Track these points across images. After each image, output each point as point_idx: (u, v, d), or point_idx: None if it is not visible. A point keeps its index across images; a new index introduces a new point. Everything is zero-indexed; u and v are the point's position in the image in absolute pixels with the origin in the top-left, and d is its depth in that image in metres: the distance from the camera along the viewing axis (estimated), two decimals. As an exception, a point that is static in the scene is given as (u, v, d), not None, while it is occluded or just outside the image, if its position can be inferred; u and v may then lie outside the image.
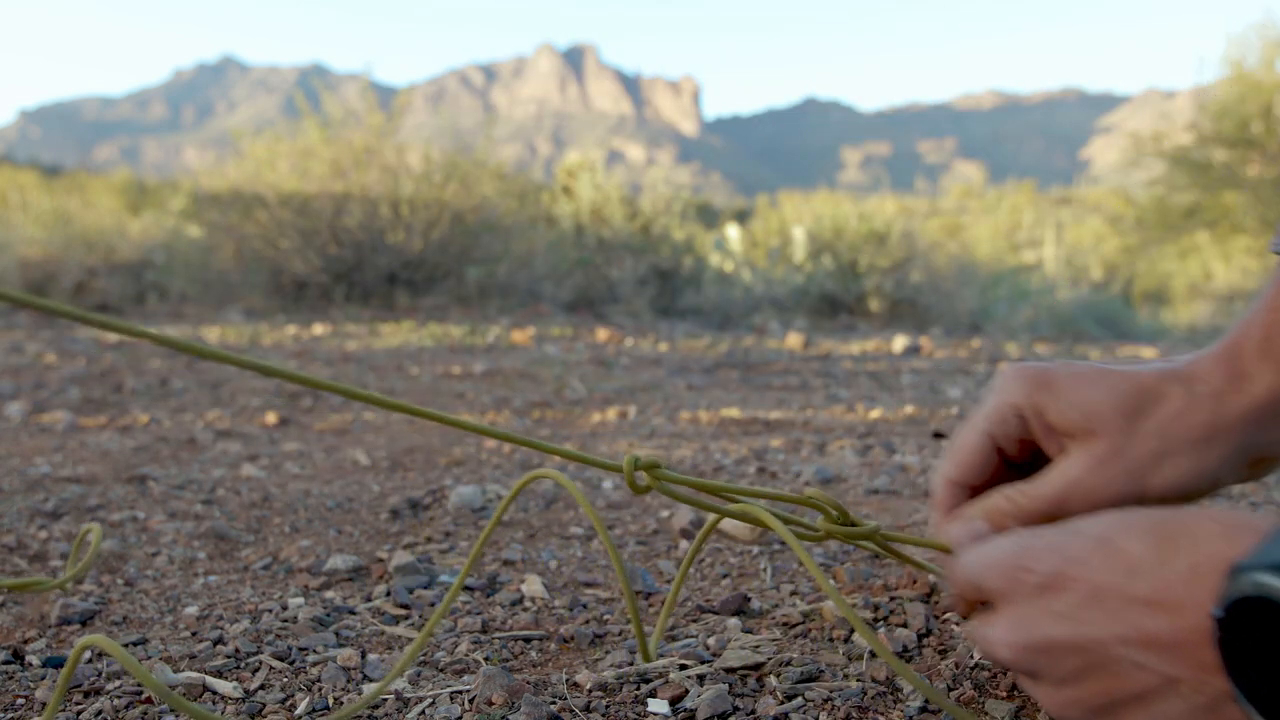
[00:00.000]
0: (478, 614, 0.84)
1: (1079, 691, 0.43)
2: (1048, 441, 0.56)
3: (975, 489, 0.59)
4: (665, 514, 1.22)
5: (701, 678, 0.68)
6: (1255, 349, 0.53)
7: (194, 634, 0.79)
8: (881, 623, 0.80)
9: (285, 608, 0.85)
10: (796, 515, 0.77)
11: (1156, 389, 0.53)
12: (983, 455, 0.57)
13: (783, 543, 1.07)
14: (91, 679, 0.69)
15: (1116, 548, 0.41)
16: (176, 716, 0.64)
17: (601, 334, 4.36)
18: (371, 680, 0.70)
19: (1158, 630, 0.39)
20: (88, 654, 0.74)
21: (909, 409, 2.36)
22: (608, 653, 0.75)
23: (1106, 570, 0.41)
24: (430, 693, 0.67)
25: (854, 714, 0.62)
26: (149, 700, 0.66)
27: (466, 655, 0.74)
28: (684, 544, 1.07)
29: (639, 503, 1.30)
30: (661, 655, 0.73)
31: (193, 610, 0.85)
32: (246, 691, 0.68)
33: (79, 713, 0.65)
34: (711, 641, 0.75)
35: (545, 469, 0.65)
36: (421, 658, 0.74)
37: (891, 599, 0.85)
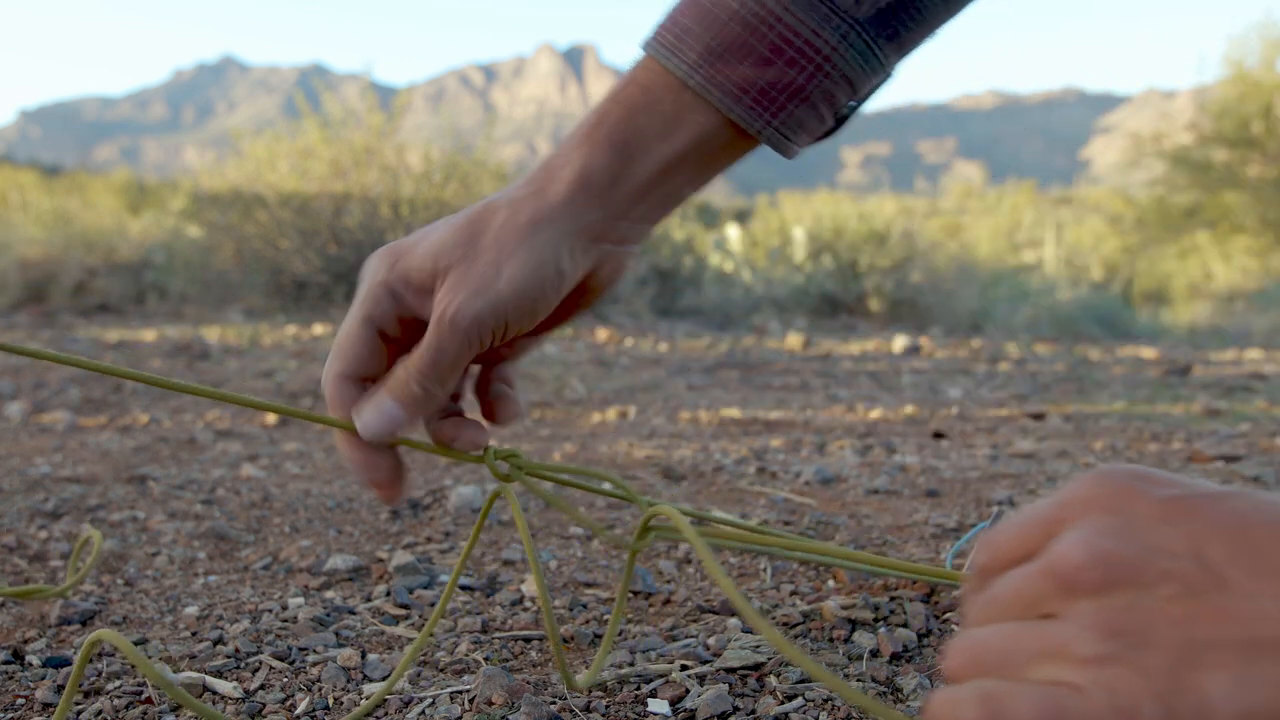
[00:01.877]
0: (478, 614, 0.84)
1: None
2: (423, 305, 0.54)
3: (371, 381, 0.56)
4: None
5: (701, 678, 0.68)
6: (573, 140, 0.53)
7: (194, 634, 0.79)
8: (881, 623, 0.80)
9: (285, 608, 0.85)
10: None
11: (487, 211, 0.53)
12: (367, 343, 0.55)
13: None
14: (91, 679, 0.69)
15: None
16: (178, 717, 0.64)
17: (601, 334, 4.36)
18: (372, 680, 0.70)
19: None
20: (88, 654, 0.74)
21: (909, 409, 2.36)
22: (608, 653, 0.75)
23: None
24: (430, 693, 0.67)
25: (854, 714, 0.62)
26: (149, 700, 0.66)
27: (466, 655, 0.74)
28: (684, 544, 1.07)
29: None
30: (661, 655, 0.73)
31: (193, 610, 0.85)
32: (246, 691, 0.68)
33: (79, 713, 0.65)
34: (711, 641, 0.75)
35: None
36: (421, 658, 0.74)
37: (891, 599, 0.85)
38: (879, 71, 0.53)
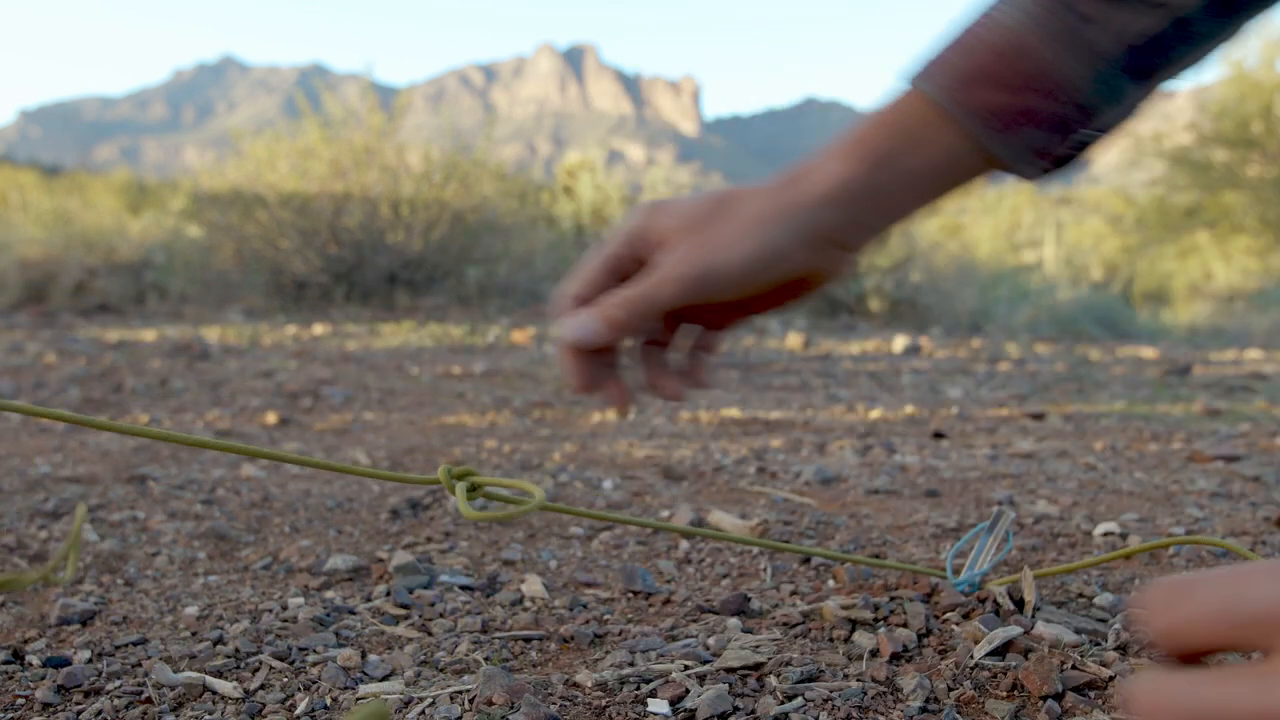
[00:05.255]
0: (478, 614, 0.84)
1: None
2: (658, 258, 0.60)
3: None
4: (665, 514, 1.22)
5: (701, 678, 0.68)
6: (834, 149, 0.59)
7: (194, 634, 0.79)
8: (881, 622, 0.80)
9: (285, 608, 0.85)
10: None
11: (738, 194, 0.59)
12: (605, 274, 0.61)
13: (784, 542, 1.07)
14: (91, 679, 0.69)
15: None
16: (177, 717, 0.64)
17: (601, 334, 4.36)
18: (372, 680, 0.70)
19: None
20: (87, 654, 0.74)
21: (909, 409, 2.36)
22: (608, 653, 0.75)
23: None
24: (430, 693, 0.67)
25: (854, 714, 0.62)
26: (149, 700, 0.66)
27: (466, 655, 0.74)
28: (684, 544, 1.07)
29: (639, 503, 1.30)
30: (661, 655, 0.73)
31: (193, 610, 0.85)
32: (246, 691, 0.68)
33: (79, 713, 0.65)
34: (711, 641, 0.75)
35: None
36: (421, 658, 0.74)
37: (892, 599, 0.85)
38: (1122, 107, 0.57)
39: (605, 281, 0.61)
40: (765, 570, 0.96)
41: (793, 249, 0.57)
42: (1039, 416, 2.26)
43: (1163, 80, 0.59)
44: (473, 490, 0.62)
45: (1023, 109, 0.55)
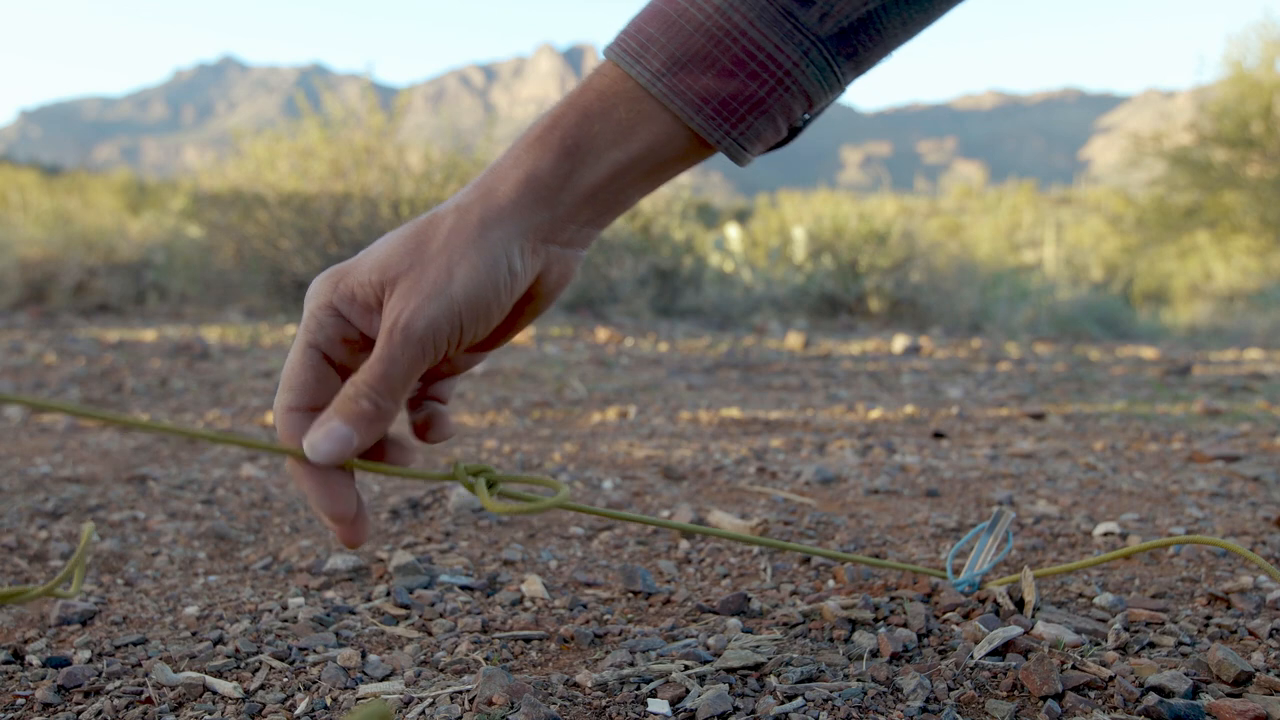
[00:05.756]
0: (478, 614, 0.84)
1: None
2: (371, 323, 0.53)
3: (321, 409, 0.53)
4: (665, 514, 1.22)
5: (701, 678, 0.68)
6: (523, 143, 0.53)
7: (194, 634, 0.79)
8: (881, 622, 0.80)
9: (285, 608, 0.85)
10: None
11: (433, 220, 0.52)
12: (313, 370, 0.53)
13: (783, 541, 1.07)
14: (91, 679, 0.69)
15: None
16: (177, 717, 0.64)
17: (601, 334, 4.36)
18: (372, 680, 0.70)
19: None
20: (87, 654, 0.74)
21: (909, 409, 2.36)
22: (608, 653, 0.75)
23: None
24: (430, 693, 0.67)
25: (854, 714, 0.62)
26: (149, 700, 0.66)
27: (466, 655, 0.74)
28: (684, 544, 1.07)
29: (639, 503, 1.30)
30: (661, 655, 0.73)
31: (193, 610, 0.85)
32: (246, 691, 0.68)
33: (79, 713, 0.65)
34: (711, 641, 0.75)
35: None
36: (421, 658, 0.74)
37: (892, 599, 0.85)
38: (836, 88, 0.54)
39: (317, 378, 0.53)
40: (765, 570, 0.96)
41: (513, 257, 0.51)
42: (1039, 416, 2.26)
43: (875, 61, 0.55)
44: (491, 487, 0.58)
45: (747, 97, 0.52)
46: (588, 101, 0.53)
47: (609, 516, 0.66)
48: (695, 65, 0.51)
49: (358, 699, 0.66)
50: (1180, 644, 0.75)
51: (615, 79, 0.53)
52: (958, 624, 0.79)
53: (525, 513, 0.55)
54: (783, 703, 0.64)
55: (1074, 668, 0.68)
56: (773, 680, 0.67)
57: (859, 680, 0.67)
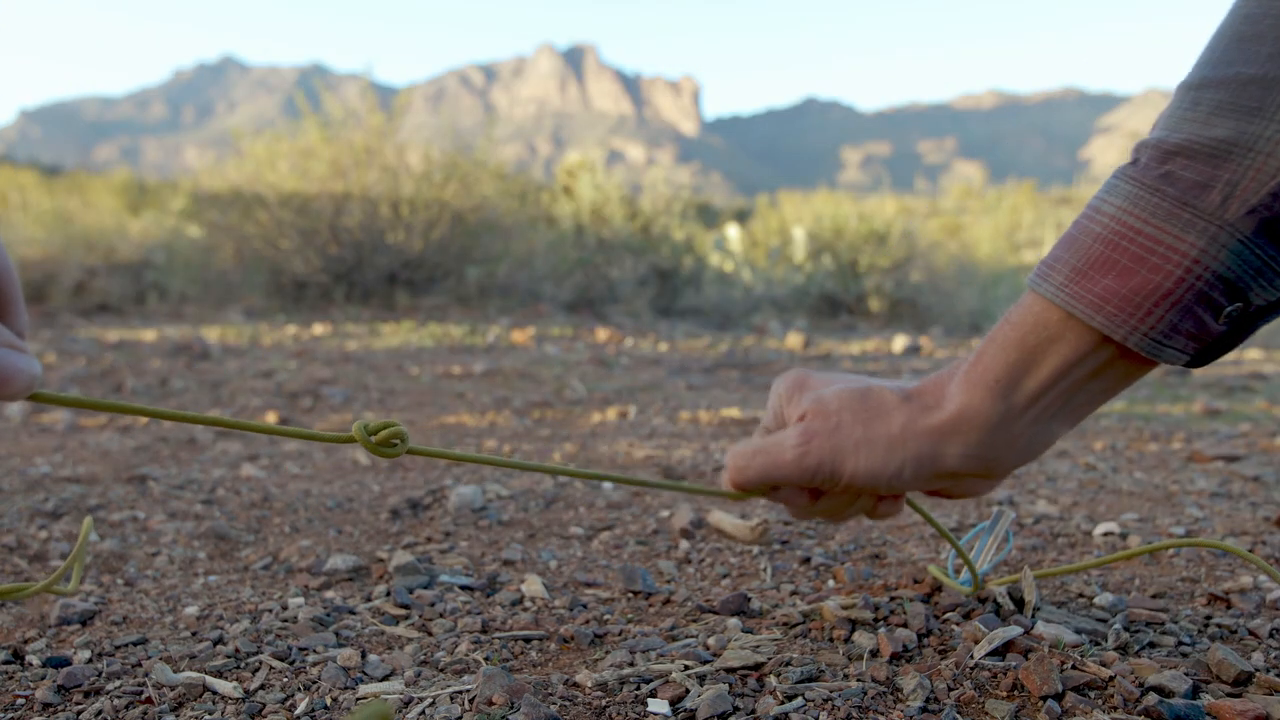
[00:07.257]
0: (478, 614, 0.84)
1: None
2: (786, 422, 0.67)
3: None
4: (665, 514, 1.22)
5: (701, 678, 0.68)
6: (961, 374, 0.60)
7: (194, 634, 0.79)
8: (881, 623, 0.80)
9: (285, 608, 0.85)
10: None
11: (880, 394, 0.62)
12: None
13: (784, 542, 1.07)
14: (91, 679, 0.69)
15: None
16: (177, 717, 0.64)
17: (601, 334, 4.36)
18: (372, 680, 0.70)
19: None
20: (87, 654, 0.74)
21: (909, 409, 2.35)
22: (608, 653, 0.75)
23: None
24: (430, 693, 0.67)
25: (854, 714, 0.62)
26: (149, 700, 0.66)
27: (466, 655, 0.74)
28: (684, 544, 1.07)
29: (639, 503, 1.30)
30: (661, 655, 0.73)
31: (193, 610, 0.85)
32: (246, 691, 0.68)
33: (79, 713, 0.65)
34: (711, 641, 0.75)
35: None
36: (421, 657, 0.74)
37: (892, 599, 0.85)
38: (1270, 273, 0.52)
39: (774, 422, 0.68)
40: (765, 570, 0.96)
41: (906, 472, 0.60)
42: (1039, 416, 2.26)
43: None
44: (391, 446, 0.59)
45: (1151, 290, 0.52)
46: (1005, 335, 0.58)
47: (462, 460, 0.69)
48: (1095, 270, 0.54)
49: (358, 699, 0.66)
50: (1180, 644, 0.75)
51: (1027, 303, 0.57)
52: (958, 624, 0.79)
53: (390, 456, 0.59)
54: (783, 703, 0.64)
55: (1074, 668, 0.68)
56: (773, 680, 0.67)
57: (859, 680, 0.67)
